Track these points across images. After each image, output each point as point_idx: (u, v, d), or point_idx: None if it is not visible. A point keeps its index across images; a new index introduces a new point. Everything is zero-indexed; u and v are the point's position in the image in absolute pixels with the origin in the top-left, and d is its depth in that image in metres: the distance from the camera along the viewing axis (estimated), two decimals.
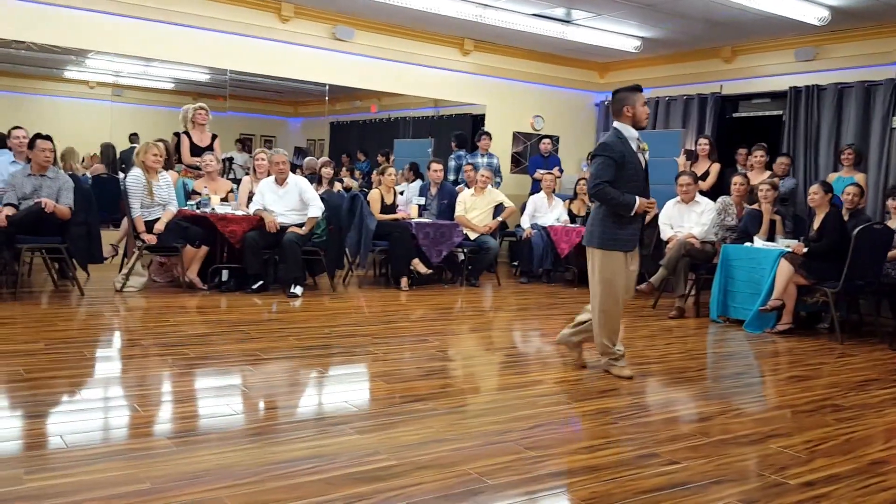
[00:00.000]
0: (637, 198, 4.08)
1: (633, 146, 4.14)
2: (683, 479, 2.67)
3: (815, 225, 5.97)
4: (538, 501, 2.47)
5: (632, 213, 4.08)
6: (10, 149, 6.43)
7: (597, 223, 4.18)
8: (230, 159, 8.80)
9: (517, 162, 10.39)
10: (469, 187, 8.12)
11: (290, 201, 6.58)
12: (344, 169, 10.08)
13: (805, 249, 5.84)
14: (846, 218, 6.10)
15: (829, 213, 5.92)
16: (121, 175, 7.40)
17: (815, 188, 6.03)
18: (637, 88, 4.19)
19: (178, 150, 7.19)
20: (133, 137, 8.51)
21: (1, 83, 8.20)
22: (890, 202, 6.38)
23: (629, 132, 4.15)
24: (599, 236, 4.15)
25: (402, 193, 8.35)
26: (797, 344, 5.53)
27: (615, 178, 4.06)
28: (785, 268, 5.77)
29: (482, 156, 8.99)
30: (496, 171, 8.84)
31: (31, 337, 4.38)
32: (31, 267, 6.79)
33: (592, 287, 4.21)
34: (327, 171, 7.72)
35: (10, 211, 5.51)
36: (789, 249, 5.89)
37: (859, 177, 6.99)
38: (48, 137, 5.80)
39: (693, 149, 8.39)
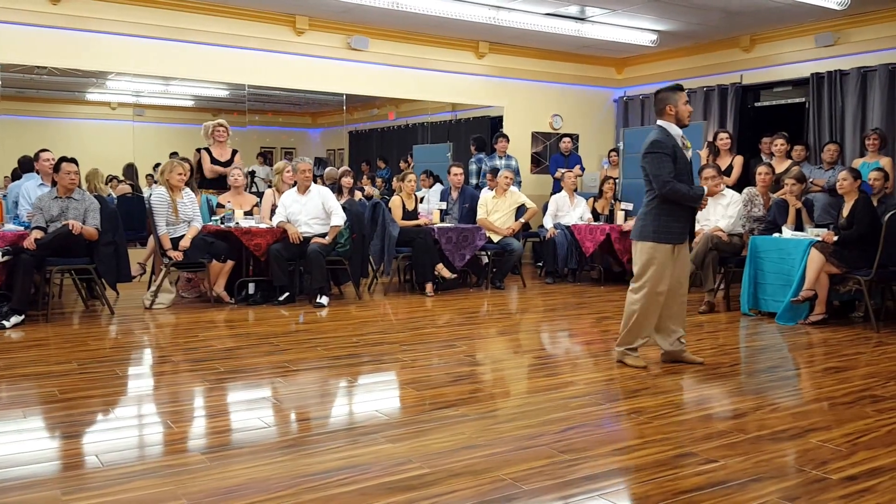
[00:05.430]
0: (704, 187, 4.30)
1: (679, 143, 4.22)
2: (722, 478, 2.62)
3: (845, 212, 5.87)
4: None
5: (699, 203, 4.23)
6: (38, 172, 6.54)
7: (649, 217, 4.22)
8: (252, 173, 8.87)
9: (537, 162, 10.35)
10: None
11: (313, 209, 6.61)
12: (364, 177, 10.11)
13: (835, 238, 5.73)
14: (875, 204, 5.98)
15: (859, 199, 5.81)
16: (145, 194, 7.48)
17: (843, 174, 5.92)
18: (678, 87, 4.28)
19: (200, 166, 7.27)
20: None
21: (25, 108, 8.35)
22: None
23: (674, 130, 4.23)
24: (654, 230, 4.19)
25: (422, 200, 8.34)
26: (832, 334, 5.43)
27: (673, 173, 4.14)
28: (815, 257, 5.67)
29: (500, 158, 8.97)
30: (515, 173, 8.80)
31: (63, 357, 4.44)
32: (61, 288, 6.89)
33: (637, 279, 4.27)
34: (347, 181, 7.76)
35: (38, 234, 5.59)
36: (819, 238, 5.78)
37: (885, 161, 6.86)
38: (73, 160, 5.88)
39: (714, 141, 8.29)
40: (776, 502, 2.43)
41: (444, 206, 7.95)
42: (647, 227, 4.22)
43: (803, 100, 8.67)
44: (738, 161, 7.69)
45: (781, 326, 5.73)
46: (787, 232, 6.09)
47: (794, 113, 8.81)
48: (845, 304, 6.18)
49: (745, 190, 6.72)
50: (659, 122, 4.26)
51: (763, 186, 6.67)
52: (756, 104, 9.36)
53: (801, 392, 3.96)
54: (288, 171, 7.06)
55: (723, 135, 7.87)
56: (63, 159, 5.86)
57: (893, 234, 5.39)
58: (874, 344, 5.11)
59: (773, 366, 4.52)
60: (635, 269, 4.31)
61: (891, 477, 2.65)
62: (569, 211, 8.33)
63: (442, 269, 7.30)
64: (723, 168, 7.40)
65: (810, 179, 6.94)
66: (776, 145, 7.42)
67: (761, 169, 6.74)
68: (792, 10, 7.65)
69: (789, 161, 7.36)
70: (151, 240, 6.71)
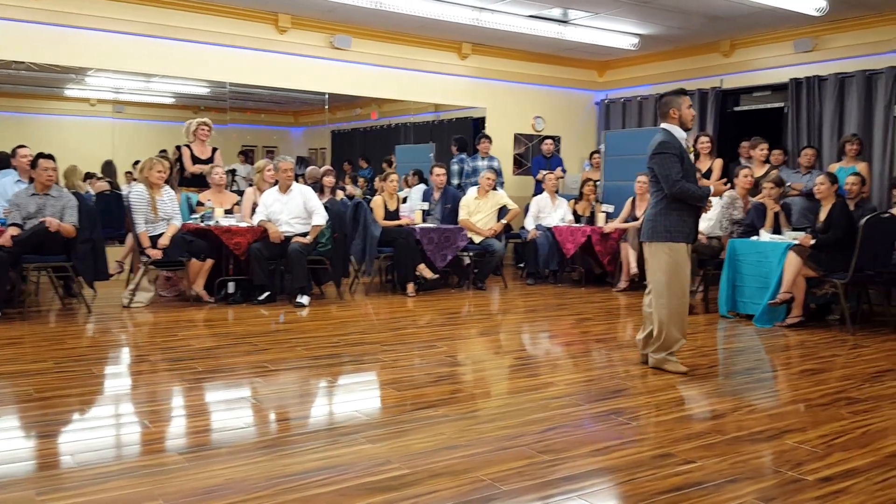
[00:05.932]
0: (710, 187, 4.32)
1: (683, 145, 4.27)
2: (699, 479, 2.65)
3: (822, 216, 5.94)
4: None
5: (705, 202, 4.27)
6: (15, 168, 6.45)
7: (659, 218, 4.24)
8: (233, 171, 8.81)
9: (519, 164, 10.38)
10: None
11: (294, 208, 6.57)
12: (346, 177, 10.08)
13: (812, 241, 5.80)
14: (851, 208, 6.06)
15: (836, 203, 5.88)
16: (124, 191, 7.41)
17: (821, 179, 6.00)
18: (682, 91, 4.36)
19: (180, 163, 7.21)
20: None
21: (2, 104, 8.23)
22: (895, 192, 6.34)
23: (678, 133, 4.28)
24: (665, 229, 4.21)
25: (405, 201, 8.33)
26: (808, 337, 5.49)
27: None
28: (793, 260, 5.73)
29: (482, 159, 8.98)
30: (498, 174, 8.82)
31: (39, 356, 4.38)
32: (37, 286, 6.80)
33: (657, 283, 4.25)
34: (329, 180, 7.73)
35: (14, 231, 5.52)
36: (796, 242, 5.85)
37: (861, 166, 6.95)
38: (50, 156, 5.81)
39: (694, 144, 8.36)
40: (752, 503, 2.45)
41: (426, 206, 7.94)
42: (657, 227, 4.23)
43: (782, 104, 8.76)
44: (718, 164, 7.75)
45: (759, 329, 5.78)
46: (765, 235, 6.16)
47: (773, 117, 8.90)
48: (822, 306, 6.26)
49: (726, 193, 6.78)
50: (663, 124, 4.31)
51: (744, 189, 6.73)
52: (735, 108, 9.45)
53: (778, 394, 4.00)
54: (269, 170, 7.02)
55: (703, 138, 7.93)
56: (40, 156, 5.79)
57: (869, 238, 5.47)
58: (850, 346, 5.18)
59: (750, 367, 4.57)
60: (648, 272, 4.31)
61: (866, 478, 2.69)
62: (550, 212, 8.35)
63: (423, 270, 7.29)
64: (703, 171, 7.47)
65: (788, 183, 7.02)
66: (759, 149, 7.49)
67: (743, 172, 6.80)
68: (771, 15, 7.73)
69: (768, 165, 7.44)
70: (130, 238, 6.64)
